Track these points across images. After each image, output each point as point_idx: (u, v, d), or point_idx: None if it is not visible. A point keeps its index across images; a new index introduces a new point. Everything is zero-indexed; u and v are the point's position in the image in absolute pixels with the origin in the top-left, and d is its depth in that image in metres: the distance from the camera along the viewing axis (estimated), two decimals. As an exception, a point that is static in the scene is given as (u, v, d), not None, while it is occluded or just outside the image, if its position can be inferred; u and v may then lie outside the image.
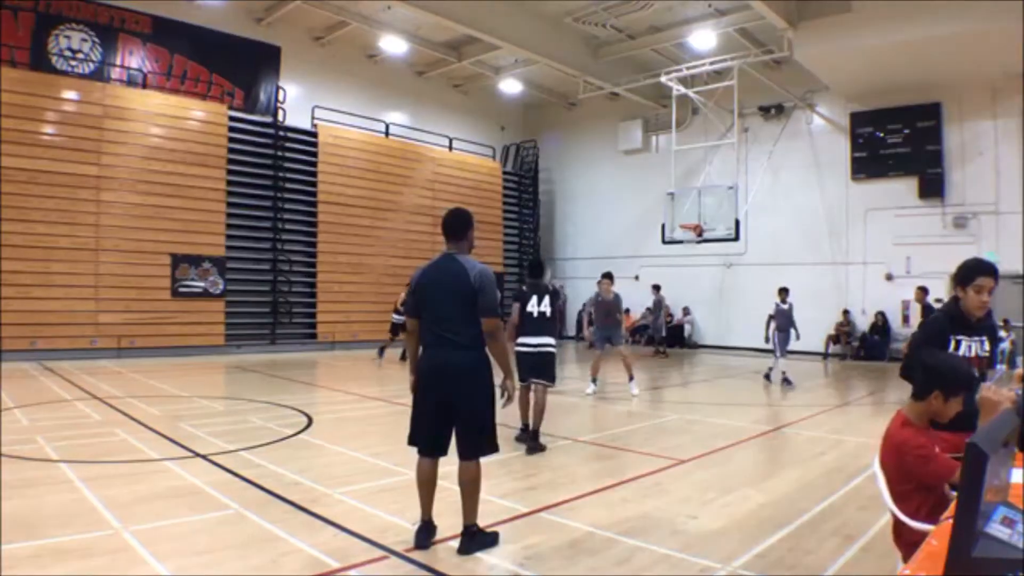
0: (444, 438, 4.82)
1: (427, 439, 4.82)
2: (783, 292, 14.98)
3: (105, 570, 4.22)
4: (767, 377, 15.04)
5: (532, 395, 8.31)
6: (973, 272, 4.16)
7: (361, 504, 5.65)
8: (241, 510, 5.43)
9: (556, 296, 8.70)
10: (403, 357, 17.38)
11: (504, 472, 6.93)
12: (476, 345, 4.77)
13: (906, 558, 3.12)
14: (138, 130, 17.99)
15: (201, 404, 10.95)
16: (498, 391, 4.88)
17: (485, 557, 4.63)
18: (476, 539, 4.73)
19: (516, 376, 4.89)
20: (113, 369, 15.03)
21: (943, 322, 4.34)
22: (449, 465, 4.84)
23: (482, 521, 4.83)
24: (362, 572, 4.32)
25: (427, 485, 4.85)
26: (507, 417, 9.06)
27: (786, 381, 14.34)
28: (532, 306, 8.33)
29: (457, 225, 4.97)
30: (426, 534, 4.78)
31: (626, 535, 5.05)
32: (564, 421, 10.17)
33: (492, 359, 4.84)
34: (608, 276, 12.63)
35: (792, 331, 14.84)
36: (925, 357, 3.60)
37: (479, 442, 4.78)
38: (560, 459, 7.69)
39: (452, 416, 4.74)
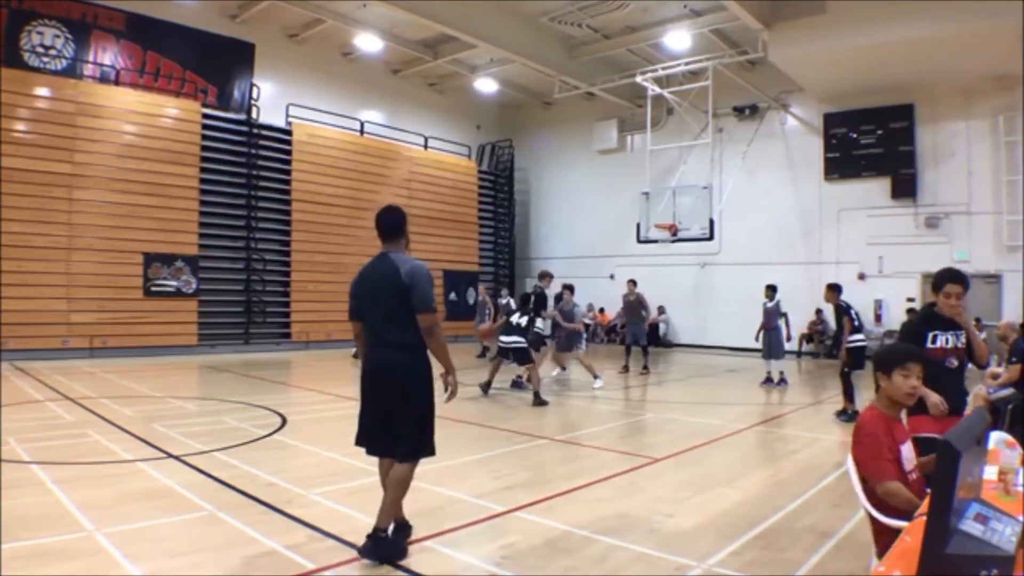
0: (387, 440, 4.68)
1: (370, 441, 4.76)
2: (767, 289, 14.60)
3: (80, 572, 4.17)
4: (768, 382, 14.35)
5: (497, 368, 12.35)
6: (943, 280, 4.76)
7: (336, 505, 5.62)
8: (215, 511, 5.38)
9: (541, 303, 13.12)
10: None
11: (481, 471, 6.93)
12: (413, 344, 4.63)
13: (881, 554, 3.15)
14: (111, 127, 17.79)
15: (174, 405, 10.84)
16: (441, 386, 4.73)
17: (461, 556, 4.62)
18: (381, 545, 4.48)
19: (456, 373, 4.75)
20: (85, 369, 14.85)
21: (916, 323, 5.03)
22: (433, 463, 4.81)
23: (459, 520, 4.83)
24: (337, 573, 4.30)
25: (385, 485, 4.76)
26: (492, 417, 9.05)
27: (769, 381, 14.22)
28: (515, 319, 12.18)
29: (391, 224, 4.86)
30: (401, 533, 4.74)
31: (602, 534, 5.06)
32: (541, 420, 10.19)
33: (433, 356, 4.74)
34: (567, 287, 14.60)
35: (777, 332, 14.37)
36: (874, 354, 3.86)
37: (415, 444, 4.63)
38: (537, 458, 7.71)
39: (392, 417, 4.64)
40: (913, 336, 4.82)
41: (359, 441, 4.81)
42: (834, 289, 11.41)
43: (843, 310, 11.00)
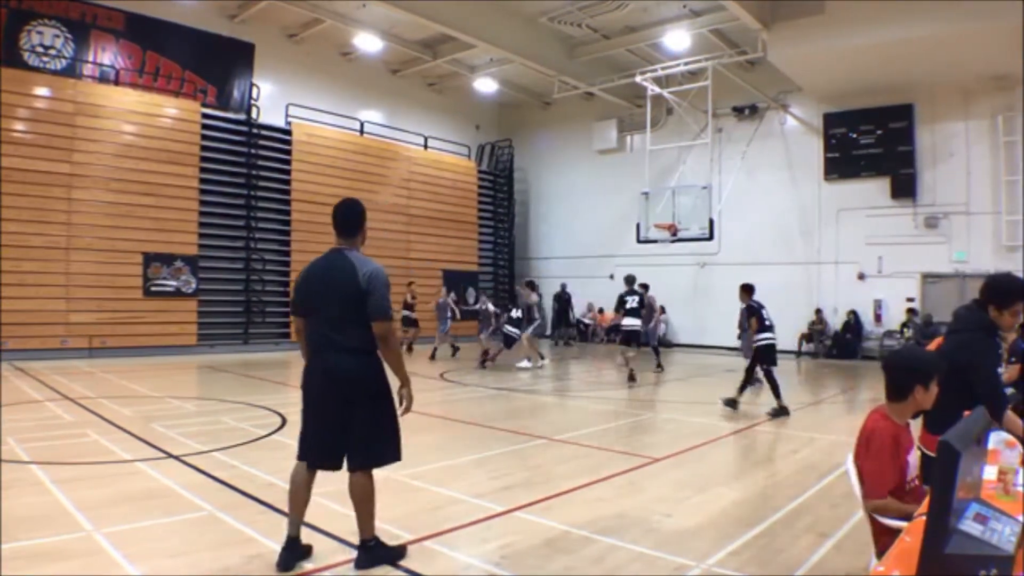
0: (338, 450, 4.35)
1: (317, 451, 4.39)
2: (741, 291, 14.48)
3: (79, 572, 4.17)
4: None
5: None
6: (1013, 298, 4.05)
7: (334, 505, 5.59)
8: (215, 511, 5.39)
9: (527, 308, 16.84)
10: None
11: (480, 471, 6.93)
12: (366, 348, 4.35)
13: (880, 554, 3.15)
14: (110, 127, 17.77)
15: (174, 404, 10.84)
16: (396, 398, 4.47)
17: (460, 556, 4.62)
18: (373, 553, 4.40)
19: (411, 385, 4.45)
20: (85, 369, 14.85)
21: (992, 340, 4.15)
22: (433, 463, 4.80)
23: (459, 520, 4.81)
24: (335, 573, 4.31)
25: (300, 495, 4.46)
26: (491, 417, 9.03)
27: (757, 382, 14.14)
28: (514, 313, 16.62)
29: (350, 218, 4.61)
30: (291, 553, 4.37)
31: (601, 534, 5.06)
32: (539, 420, 10.19)
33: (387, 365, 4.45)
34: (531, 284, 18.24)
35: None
36: (895, 360, 3.67)
37: (376, 451, 4.38)
38: (535, 458, 7.70)
39: (345, 425, 4.31)
40: (997, 355, 4.17)
41: (301, 454, 4.46)
42: (747, 290, 11.74)
43: (754, 311, 11.37)
